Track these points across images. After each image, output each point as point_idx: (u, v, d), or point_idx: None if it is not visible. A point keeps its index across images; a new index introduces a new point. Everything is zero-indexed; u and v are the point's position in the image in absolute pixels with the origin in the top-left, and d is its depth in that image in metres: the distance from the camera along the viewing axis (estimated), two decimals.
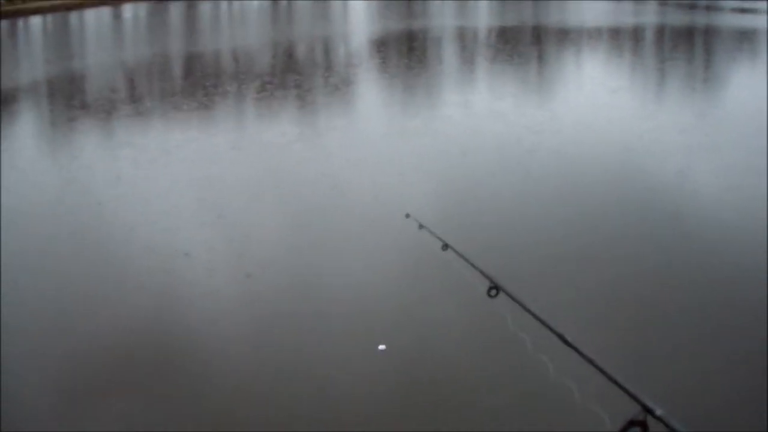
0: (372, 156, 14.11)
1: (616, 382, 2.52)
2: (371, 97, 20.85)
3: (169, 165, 13.80)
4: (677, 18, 46.22)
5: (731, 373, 6.73)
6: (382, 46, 32.07)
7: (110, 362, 7.15)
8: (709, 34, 38.08)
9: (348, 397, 6.43)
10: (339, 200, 11.57)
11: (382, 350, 6.96)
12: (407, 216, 5.47)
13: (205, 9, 52.01)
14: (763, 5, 53.97)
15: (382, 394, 6.51)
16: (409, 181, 12.40)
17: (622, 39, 35.00)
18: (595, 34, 35.81)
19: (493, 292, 3.31)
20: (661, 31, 40.43)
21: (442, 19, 44.50)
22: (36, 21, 44.64)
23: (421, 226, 5.01)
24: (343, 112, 18.74)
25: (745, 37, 35.85)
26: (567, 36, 34.63)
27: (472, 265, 3.84)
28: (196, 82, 22.98)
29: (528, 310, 3.12)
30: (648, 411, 2.36)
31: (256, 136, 16.26)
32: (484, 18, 46.67)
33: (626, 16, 46.09)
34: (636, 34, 37.64)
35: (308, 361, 6.96)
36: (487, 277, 3.41)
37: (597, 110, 18.04)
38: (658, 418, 2.33)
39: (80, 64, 28.09)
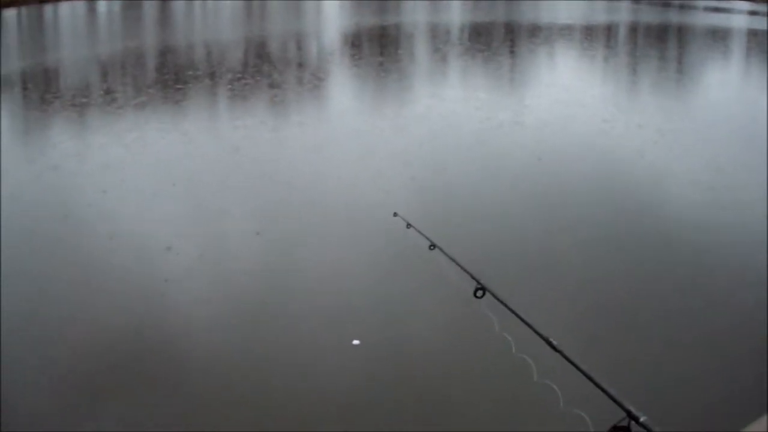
0: (356, 152, 13.80)
1: (601, 388, 2.55)
2: (350, 93, 20.52)
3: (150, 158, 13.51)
4: (651, 17, 46.48)
5: (715, 379, 6.60)
6: (355, 42, 31.79)
7: None
8: (683, 32, 38.29)
9: (325, 390, 6.45)
10: (325, 197, 11.30)
11: (356, 345, 7.05)
12: (395, 215, 5.48)
13: (178, 6, 51.39)
14: (736, 5, 54.41)
15: (364, 388, 6.52)
16: (395, 179, 12.08)
17: (595, 37, 35.02)
18: (567, 32, 35.80)
19: (480, 293, 3.38)
20: (634, 29, 40.58)
21: (415, 15, 44.34)
22: (10, 14, 43.65)
23: (408, 225, 5.02)
24: (322, 107, 18.43)
25: (719, 36, 36.07)
26: (540, 33, 34.57)
27: (459, 265, 3.90)
28: (169, 76, 22.48)
29: (515, 313, 3.17)
30: (632, 417, 2.37)
31: (236, 131, 15.65)
32: (456, 15, 46.59)
33: (599, 15, 46.26)
34: (609, 33, 37.74)
35: (290, 355, 7.00)
36: (473, 278, 3.50)
37: (576, 109, 17.92)
38: (642, 425, 2.34)
39: (54, 57, 27.51)
